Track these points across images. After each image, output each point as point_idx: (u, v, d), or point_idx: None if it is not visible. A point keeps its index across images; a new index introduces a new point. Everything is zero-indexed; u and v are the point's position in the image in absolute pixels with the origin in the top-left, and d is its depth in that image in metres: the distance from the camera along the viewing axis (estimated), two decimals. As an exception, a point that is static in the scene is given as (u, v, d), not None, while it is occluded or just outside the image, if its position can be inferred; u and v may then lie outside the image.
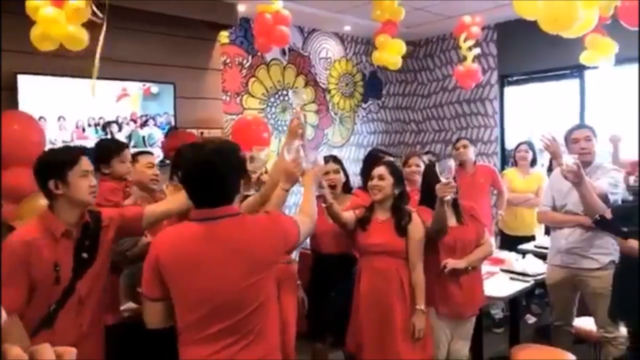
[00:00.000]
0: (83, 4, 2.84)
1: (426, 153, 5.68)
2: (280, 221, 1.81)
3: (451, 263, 2.67)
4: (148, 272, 1.69)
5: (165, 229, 1.81)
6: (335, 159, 3.16)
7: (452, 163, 2.55)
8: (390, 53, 4.38)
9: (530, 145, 4.66)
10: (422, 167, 3.60)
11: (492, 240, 2.99)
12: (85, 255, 1.94)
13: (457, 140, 4.63)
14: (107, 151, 2.88)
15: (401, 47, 4.42)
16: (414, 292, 2.59)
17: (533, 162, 4.62)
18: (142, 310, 1.76)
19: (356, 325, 2.68)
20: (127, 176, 2.89)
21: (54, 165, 1.91)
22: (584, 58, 4.14)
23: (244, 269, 1.63)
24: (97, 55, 2.93)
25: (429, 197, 2.80)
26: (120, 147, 2.94)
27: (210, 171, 1.64)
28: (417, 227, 2.64)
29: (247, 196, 2.38)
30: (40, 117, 3.70)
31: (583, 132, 3.10)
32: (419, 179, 3.43)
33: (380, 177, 2.66)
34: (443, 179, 2.49)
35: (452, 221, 2.73)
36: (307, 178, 2.13)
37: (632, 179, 3.44)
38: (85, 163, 1.96)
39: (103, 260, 2.02)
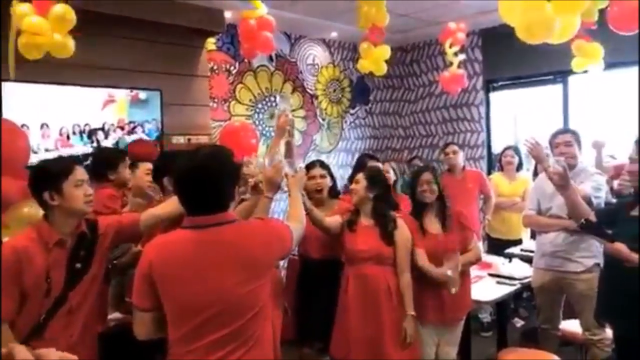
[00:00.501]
0: (67, 12, 2.84)
1: (413, 158, 5.72)
2: (274, 226, 1.81)
3: (433, 270, 2.67)
4: (139, 281, 1.64)
5: (158, 237, 1.77)
6: (322, 164, 3.18)
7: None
8: (375, 60, 4.40)
9: (516, 150, 4.72)
10: (392, 173, 3.60)
11: (480, 245, 3.01)
12: (79, 265, 1.92)
13: (446, 145, 4.67)
14: (114, 157, 2.91)
15: (386, 52, 4.44)
16: (402, 297, 2.60)
17: (519, 167, 4.67)
18: (131, 321, 1.73)
19: (343, 332, 2.67)
20: (129, 182, 2.92)
21: (49, 177, 1.90)
22: (574, 64, 4.20)
23: (242, 277, 1.60)
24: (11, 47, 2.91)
25: (414, 205, 2.83)
26: (124, 153, 3.05)
27: (205, 176, 1.61)
28: (404, 234, 2.66)
29: (243, 200, 2.38)
30: (23, 125, 3.66)
31: (563, 137, 3.14)
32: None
33: (356, 181, 2.73)
34: (449, 273, 2.58)
35: (436, 228, 2.75)
36: (292, 183, 2.13)
37: (616, 183, 3.48)
38: (80, 172, 1.95)
39: (98, 269, 2.01)
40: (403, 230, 2.66)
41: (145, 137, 4.43)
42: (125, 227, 2.08)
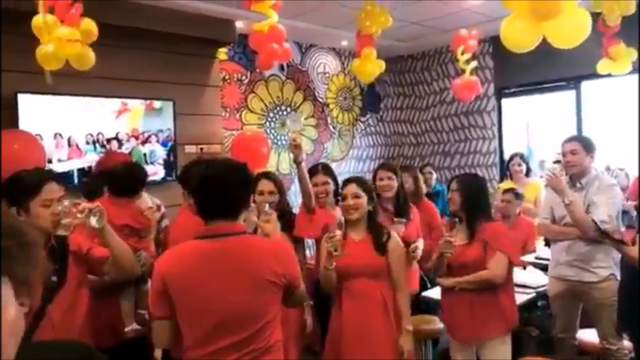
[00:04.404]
0: (91, 26, 2.90)
1: (425, 166, 5.70)
2: (286, 249, 1.85)
3: (440, 280, 2.65)
4: (155, 292, 1.70)
5: (170, 249, 1.84)
6: (324, 169, 3.16)
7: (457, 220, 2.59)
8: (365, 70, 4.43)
9: (522, 157, 4.70)
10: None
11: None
12: (54, 278, 1.89)
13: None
14: (146, 174, 2.98)
15: (378, 66, 4.44)
16: (398, 312, 2.46)
17: (527, 173, 4.66)
18: (150, 331, 1.76)
19: (335, 347, 2.50)
20: None
21: (15, 194, 1.86)
22: (599, 67, 4.19)
23: (246, 288, 1.65)
24: None
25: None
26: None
27: (218, 183, 1.69)
28: (398, 245, 2.52)
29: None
30: (37, 134, 3.70)
31: (569, 146, 3.09)
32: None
33: (356, 196, 2.50)
34: (446, 236, 2.51)
35: (461, 239, 2.62)
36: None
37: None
38: (50, 191, 1.88)
39: (78, 284, 1.96)
40: (396, 242, 2.52)
41: (160, 147, 4.48)
42: (90, 261, 2.02)
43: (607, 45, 4.08)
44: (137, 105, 4.35)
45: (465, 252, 2.61)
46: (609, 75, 4.28)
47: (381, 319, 2.43)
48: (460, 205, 2.68)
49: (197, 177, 1.76)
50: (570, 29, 2.64)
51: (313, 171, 3.15)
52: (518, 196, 4.15)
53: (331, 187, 3.10)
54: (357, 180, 2.61)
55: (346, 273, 2.46)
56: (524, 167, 4.63)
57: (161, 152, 4.49)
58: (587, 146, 3.08)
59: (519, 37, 2.74)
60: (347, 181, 2.65)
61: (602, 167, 3.88)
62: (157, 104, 4.46)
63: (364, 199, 2.51)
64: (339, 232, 2.33)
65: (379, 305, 2.44)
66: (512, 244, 2.72)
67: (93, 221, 1.87)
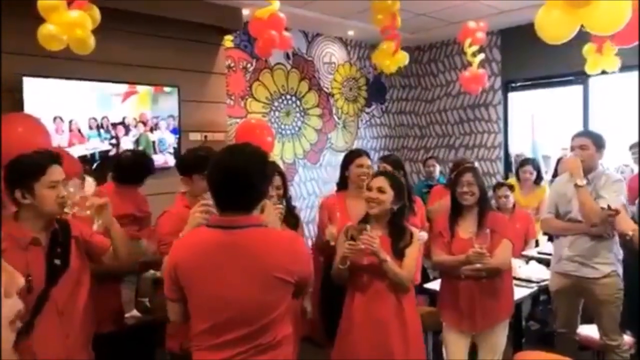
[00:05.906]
0: (94, 11, 2.90)
1: (429, 158, 5.69)
2: (301, 245, 1.78)
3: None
4: (166, 276, 1.72)
5: (184, 237, 1.81)
6: (367, 154, 3.34)
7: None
8: (394, 61, 4.43)
9: (534, 163, 4.66)
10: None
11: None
12: (57, 262, 1.90)
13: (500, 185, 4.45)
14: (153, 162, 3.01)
15: (404, 58, 4.48)
16: (411, 316, 2.39)
17: (537, 180, 4.62)
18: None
19: (347, 344, 2.41)
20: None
21: (20, 176, 1.85)
22: (588, 66, 4.17)
23: (259, 283, 1.61)
24: None
25: (452, 205, 2.79)
26: None
27: (236, 175, 1.62)
28: (415, 249, 2.44)
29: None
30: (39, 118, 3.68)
31: (579, 140, 3.08)
32: None
33: (380, 190, 2.39)
34: (477, 247, 2.48)
35: (469, 232, 2.62)
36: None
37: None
38: (54, 173, 1.89)
39: (80, 268, 1.98)
40: (415, 246, 2.44)
41: (171, 135, 4.45)
42: (91, 246, 2.04)
43: (601, 42, 4.07)
44: (145, 87, 4.31)
45: (471, 245, 2.58)
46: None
47: (395, 323, 2.34)
48: (479, 197, 2.68)
49: (219, 166, 1.67)
50: (610, 15, 2.51)
51: (357, 154, 3.33)
52: (509, 189, 4.28)
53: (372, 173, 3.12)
54: (388, 175, 2.49)
55: (359, 268, 2.38)
56: (534, 174, 4.58)
57: (171, 141, 4.46)
58: (597, 142, 3.06)
59: (556, 26, 2.61)
60: (378, 173, 2.59)
61: (607, 164, 3.85)
62: (166, 87, 4.44)
63: (389, 195, 2.38)
64: (377, 238, 2.27)
65: (392, 307, 2.36)
66: (514, 234, 2.86)
67: (95, 226, 1.98)
